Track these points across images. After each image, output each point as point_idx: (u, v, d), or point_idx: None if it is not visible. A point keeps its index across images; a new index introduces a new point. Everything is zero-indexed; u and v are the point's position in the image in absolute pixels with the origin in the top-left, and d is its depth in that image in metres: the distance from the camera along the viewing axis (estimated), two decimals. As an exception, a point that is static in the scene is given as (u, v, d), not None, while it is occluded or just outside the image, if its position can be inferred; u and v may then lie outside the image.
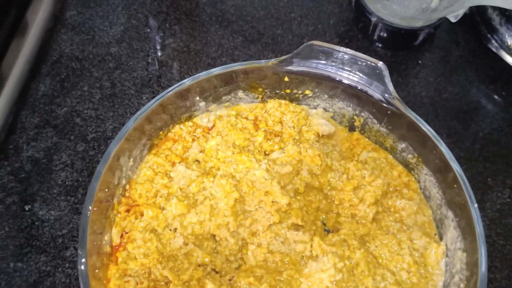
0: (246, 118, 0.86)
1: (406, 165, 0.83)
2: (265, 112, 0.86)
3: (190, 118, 0.86)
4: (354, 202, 0.79)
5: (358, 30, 1.07)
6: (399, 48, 1.04)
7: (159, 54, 1.03)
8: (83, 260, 0.66)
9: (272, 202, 0.76)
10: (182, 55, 1.03)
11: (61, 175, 0.90)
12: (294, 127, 0.84)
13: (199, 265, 0.74)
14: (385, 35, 1.01)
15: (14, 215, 0.86)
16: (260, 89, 0.86)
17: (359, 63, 0.79)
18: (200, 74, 0.80)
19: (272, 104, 0.86)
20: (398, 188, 0.82)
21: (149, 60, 1.02)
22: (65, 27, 1.05)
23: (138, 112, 0.76)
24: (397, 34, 1.00)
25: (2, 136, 0.93)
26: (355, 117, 0.86)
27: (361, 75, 0.80)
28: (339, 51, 0.80)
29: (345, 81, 0.81)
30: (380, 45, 1.05)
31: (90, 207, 0.69)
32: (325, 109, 0.88)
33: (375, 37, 1.03)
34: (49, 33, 1.05)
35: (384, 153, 0.85)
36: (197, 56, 1.03)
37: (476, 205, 0.69)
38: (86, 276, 0.65)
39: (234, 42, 1.04)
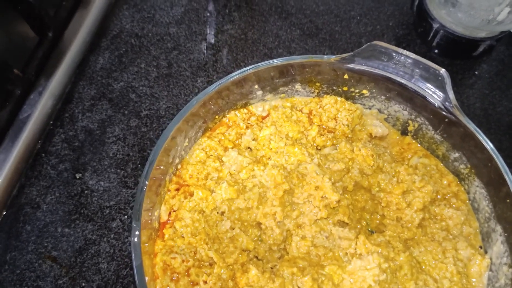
0: (301, 111, 0.86)
1: (457, 174, 0.83)
2: (320, 107, 0.86)
3: (245, 105, 0.87)
4: (401, 206, 0.79)
5: (417, 35, 1.06)
6: (457, 57, 1.03)
7: (217, 39, 1.04)
8: (137, 232, 0.67)
9: (322, 197, 0.76)
10: (239, 42, 1.04)
11: (113, 147, 0.92)
12: (348, 125, 0.84)
13: (243, 250, 0.75)
14: (445, 42, 1.00)
15: (65, 182, 0.89)
16: (318, 84, 0.86)
17: (421, 67, 0.79)
18: (261, 63, 0.81)
19: (328, 100, 0.86)
20: (446, 197, 0.81)
21: (207, 44, 1.03)
22: (127, 3, 1.07)
23: (201, 94, 0.77)
24: (457, 43, 0.99)
25: (59, 104, 0.95)
26: (409, 121, 0.86)
27: (421, 80, 0.79)
28: (401, 54, 0.80)
29: (405, 84, 0.80)
30: (437, 52, 1.04)
31: (146, 181, 0.70)
32: (379, 111, 0.88)
33: (434, 44, 1.02)
34: (111, 8, 1.07)
35: (435, 160, 0.85)
36: (254, 45, 1.03)
37: (529, 222, 0.68)
38: (138, 249, 0.66)
39: (291, 35, 1.05)
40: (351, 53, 0.81)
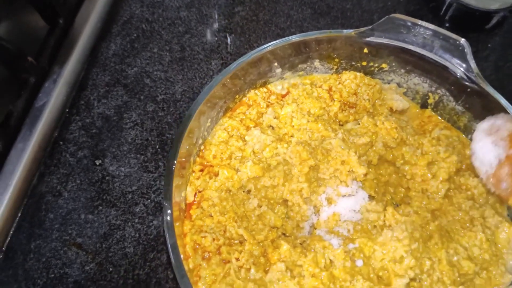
0: (321, 88, 0.86)
1: (480, 144, 0.83)
2: (340, 83, 0.86)
3: (264, 84, 0.87)
4: (426, 177, 0.79)
5: (429, 10, 1.06)
6: (470, 30, 1.03)
7: (228, 21, 1.03)
8: (169, 211, 0.67)
9: (348, 171, 0.76)
10: (251, 23, 1.03)
11: (131, 133, 0.91)
12: (369, 100, 0.84)
13: (271, 227, 0.75)
14: (457, 16, 1.00)
15: (85, 169, 0.88)
16: (337, 60, 0.86)
17: (441, 38, 0.79)
18: (279, 40, 0.81)
19: (348, 75, 0.86)
20: (470, 167, 0.81)
21: (218, 27, 1.02)
22: (135, -12, 1.06)
23: (221, 74, 0.77)
24: (470, 16, 0.99)
25: (74, 91, 0.94)
26: (429, 94, 0.86)
27: (442, 51, 0.79)
28: (421, 26, 0.80)
29: (425, 56, 0.80)
30: (450, 26, 1.03)
31: (175, 161, 0.70)
32: (399, 85, 0.88)
33: (447, 18, 1.02)
34: (120, -6, 1.06)
35: (457, 131, 0.85)
36: (266, 26, 1.03)
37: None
38: (172, 227, 0.66)
39: (303, 14, 1.04)
40: (369, 27, 0.80)
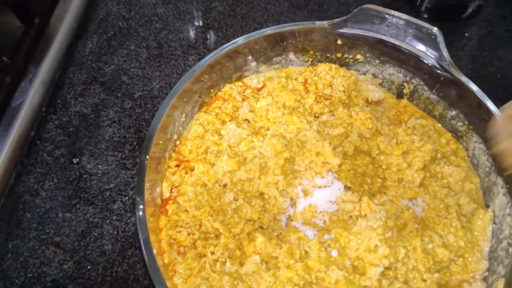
0: (296, 80, 0.86)
1: (455, 133, 0.83)
2: (315, 75, 0.86)
3: (240, 78, 0.87)
4: (402, 167, 0.79)
5: (405, 1, 1.06)
6: (447, 20, 1.04)
7: (205, 17, 1.03)
8: (141, 206, 0.67)
9: (323, 162, 0.77)
10: (228, 18, 1.03)
11: (109, 130, 0.91)
12: (344, 91, 0.84)
13: (248, 220, 0.75)
14: (433, 6, 1.00)
15: (63, 167, 0.88)
16: (311, 52, 0.86)
17: (413, 28, 0.79)
18: (253, 33, 0.81)
19: (323, 67, 0.86)
20: (446, 155, 0.82)
21: (195, 23, 1.02)
22: (111, -14, 1.06)
23: (193, 68, 0.77)
24: (446, 5, 0.99)
25: (50, 90, 0.94)
26: (405, 83, 0.86)
27: (415, 40, 0.80)
28: (393, 16, 0.80)
29: (398, 46, 0.80)
30: (427, 17, 1.04)
31: (147, 156, 0.70)
32: (374, 75, 0.88)
33: (423, 8, 1.02)
34: (96, -8, 1.05)
35: (432, 120, 0.85)
36: (243, 20, 1.03)
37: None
38: (144, 222, 0.66)
39: (280, 8, 1.04)
40: (343, 18, 0.81)
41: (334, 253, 0.71)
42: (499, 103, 0.94)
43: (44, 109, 0.92)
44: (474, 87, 0.76)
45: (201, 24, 1.02)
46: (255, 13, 1.04)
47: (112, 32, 1.01)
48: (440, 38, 0.77)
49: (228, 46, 0.79)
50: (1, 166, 0.85)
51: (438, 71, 0.78)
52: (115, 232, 0.82)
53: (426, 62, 0.79)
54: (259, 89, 0.87)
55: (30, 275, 0.79)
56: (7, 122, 0.87)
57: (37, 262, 0.80)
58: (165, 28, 1.01)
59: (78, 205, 0.84)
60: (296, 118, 0.80)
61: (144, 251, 0.64)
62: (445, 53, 0.77)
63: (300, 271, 0.69)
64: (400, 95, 0.88)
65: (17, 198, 0.85)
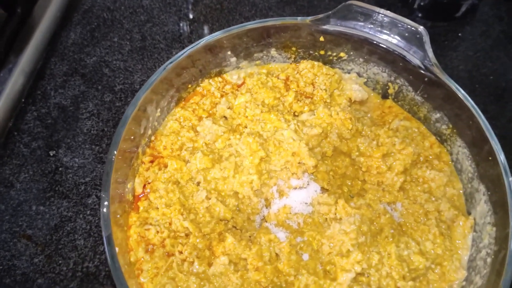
0: (277, 77, 0.84)
1: (439, 136, 0.80)
2: (297, 73, 0.84)
3: (219, 73, 0.84)
4: (382, 170, 0.76)
5: (398, -2, 1.03)
6: (440, 19, 1.00)
7: (191, 10, 1.01)
8: (106, 203, 0.65)
9: (299, 163, 0.74)
10: (215, 12, 1.01)
11: (87, 123, 0.89)
12: (326, 90, 0.82)
13: (220, 220, 0.73)
14: (426, 4, 0.97)
15: (39, 159, 0.86)
16: (294, 49, 0.83)
17: (399, 26, 0.77)
18: (233, 27, 0.78)
19: (305, 65, 0.83)
20: (428, 159, 0.79)
21: (181, 16, 1.00)
22: (97, -24, 1.04)
23: (169, 61, 0.75)
24: (439, 4, 0.96)
25: (31, 81, 0.93)
26: (389, 83, 0.83)
27: (399, 39, 0.77)
28: (378, 13, 0.77)
29: (383, 45, 0.78)
30: (420, 15, 1.01)
31: (115, 152, 0.68)
32: (359, 74, 0.85)
33: (416, 6, 0.99)
34: (82, -18, 1.04)
35: (417, 122, 0.83)
36: (230, 15, 1.01)
37: (511, 178, 0.66)
38: (108, 219, 0.64)
39: (268, 3, 1.02)
40: (326, 14, 0.78)
41: (305, 256, 0.69)
42: (488, 105, 0.92)
43: (23, 99, 0.91)
44: (458, 90, 0.73)
45: (187, 17, 1.00)
46: (242, 8, 1.01)
47: (96, 24, 0.99)
48: (426, 38, 0.75)
49: (206, 40, 0.77)
50: (-23, 156, 0.84)
51: (423, 72, 0.76)
52: (88, 227, 0.81)
53: (411, 62, 0.76)
54: (239, 86, 0.84)
55: (0, 267, 0.78)
56: (-16, 112, 0.86)
57: (8, 255, 0.79)
58: (149, 21, 1.00)
59: (53, 198, 0.83)
60: (273, 117, 0.78)
61: (106, 249, 0.62)
62: (430, 53, 0.74)
63: (268, 274, 0.67)
64: (385, 95, 0.85)
65: (-8, 190, 0.84)
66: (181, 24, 0.99)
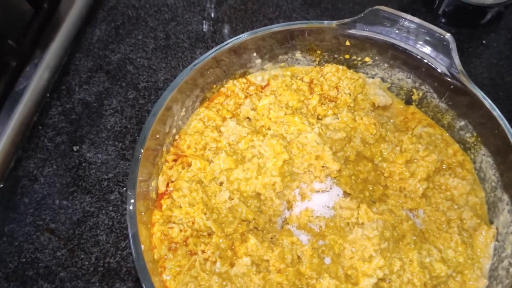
0: (301, 80, 0.84)
1: (463, 144, 0.80)
2: (321, 76, 0.84)
3: (244, 74, 0.85)
4: (404, 176, 0.76)
5: (423, 3, 1.02)
6: (464, 25, 1.00)
7: (216, 10, 1.02)
8: (132, 201, 0.66)
9: (322, 167, 0.75)
10: (239, 13, 1.01)
11: (111, 120, 0.90)
12: (350, 94, 0.82)
13: (242, 221, 0.74)
14: (451, 10, 0.97)
15: (63, 154, 0.87)
16: (319, 52, 0.84)
17: (425, 33, 0.76)
18: (259, 29, 0.79)
19: (330, 68, 0.84)
20: (451, 166, 0.79)
21: (205, 15, 1.01)
22: (123, -26, 1.05)
23: (196, 61, 0.75)
24: (464, 10, 0.96)
25: (56, 76, 0.94)
26: (413, 90, 0.83)
27: (426, 46, 0.77)
28: (405, 19, 0.77)
29: (409, 51, 0.78)
30: (444, 21, 1.00)
31: (142, 150, 0.69)
32: (383, 79, 0.85)
33: (440, 12, 0.99)
34: (108, -21, 1.04)
35: (440, 129, 0.83)
36: (254, 16, 1.01)
37: (536, 189, 0.66)
38: (134, 217, 0.65)
39: (292, 4, 1.02)
40: (353, 18, 0.78)
41: (327, 260, 0.70)
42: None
43: (48, 94, 0.92)
44: (485, 98, 0.72)
45: (211, 17, 1.01)
46: (266, 9, 1.02)
47: (120, 21, 1.00)
48: (453, 45, 0.74)
49: (232, 41, 0.77)
50: (2, 150, 0.85)
51: (449, 79, 0.76)
52: (110, 223, 0.82)
53: (437, 69, 0.76)
54: (263, 87, 0.85)
55: (24, 260, 0.79)
56: (10, 106, 0.87)
57: (31, 248, 0.80)
58: (174, 19, 1.00)
59: (76, 193, 0.84)
60: (297, 119, 0.78)
61: (132, 246, 0.63)
62: (457, 60, 0.74)
63: (290, 276, 0.67)
64: (408, 101, 0.85)
65: (16, 183, 0.85)
66: (204, 24, 1.00)
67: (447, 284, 0.71)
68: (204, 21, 1.00)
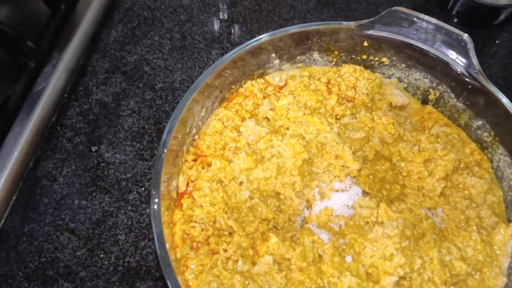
0: (319, 80, 0.84)
1: (480, 143, 0.81)
2: (339, 76, 0.85)
3: (262, 75, 0.86)
4: (423, 175, 0.77)
5: (436, 4, 1.03)
6: (478, 26, 1.01)
7: (230, 10, 1.02)
8: (156, 200, 0.67)
9: (342, 166, 0.75)
10: (254, 13, 1.02)
11: (128, 120, 0.91)
12: (367, 94, 0.82)
13: (263, 220, 0.74)
14: (465, 10, 0.98)
15: (81, 154, 0.88)
16: (336, 53, 0.84)
17: (443, 33, 0.77)
18: (278, 30, 0.79)
19: (347, 69, 0.84)
20: (469, 166, 0.80)
21: (220, 16, 1.01)
22: (139, -24, 1.06)
23: (216, 63, 0.76)
24: (478, 11, 0.96)
25: (73, 77, 0.94)
26: (430, 89, 0.84)
27: (444, 46, 0.77)
28: (423, 20, 0.78)
29: (426, 51, 0.78)
30: (457, 21, 1.01)
31: (165, 150, 0.70)
32: (399, 79, 0.86)
33: (454, 12, 0.99)
34: (123, -19, 1.05)
35: (457, 129, 0.83)
36: (269, 16, 1.02)
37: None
38: (158, 216, 0.66)
39: (307, 5, 1.03)
40: (371, 19, 0.79)
41: (348, 258, 0.70)
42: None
43: (66, 95, 0.93)
44: (503, 97, 0.73)
45: (226, 17, 1.01)
46: (281, 10, 1.02)
47: (137, 22, 1.00)
48: (470, 45, 0.75)
49: (252, 43, 0.78)
50: (21, 150, 0.85)
51: (466, 79, 0.76)
52: (129, 223, 0.83)
53: (454, 69, 0.77)
54: (281, 87, 0.86)
55: (44, 259, 0.80)
56: (29, 107, 0.88)
57: (51, 247, 0.80)
58: (189, 20, 1.01)
59: (95, 193, 0.85)
60: (317, 119, 0.79)
61: (157, 245, 0.64)
62: (475, 60, 0.75)
63: (312, 274, 0.68)
64: (425, 101, 0.86)
65: (35, 183, 0.85)
66: (220, 25, 1.01)
67: (466, 282, 0.71)
68: (220, 22, 1.01)
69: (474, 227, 0.73)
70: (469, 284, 0.71)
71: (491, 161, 0.80)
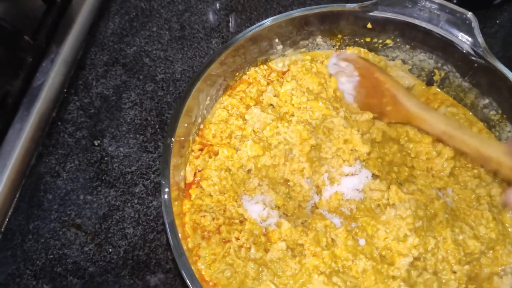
0: (322, 63, 0.84)
1: (487, 122, 0.81)
2: (343, 60, 0.84)
3: (265, 61, 0.85)
4: (431, 155, 0.77)
5: (435, -15, 1.02)
6: (478, 6, 1.00)
7: (229, -1, 1.01)
8: (166, 189, 0.66)
9: (351, 150, 0.75)
10: (252, 1, 1.01)
11: (130, 113, 0.90)
12: (372, 77, 0.82)
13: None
14: (465, -9, 0.97)
15: (84, 149, 0.87)
16: (339, 36, 0.84)
17: (447, 12, 0.76)
18: (280, 15, 0.78)
19: (351, 52, 0.83)
20: (478, 145, 0.79)
21: (219, 5, 1.00)
22: (134, -34, 1.04)
23: (219, 50, 0.75)
24: (478, -9, 0.96)
25: (72, 71, 0.93)
26: (435, 70, 0.83)
27: (448, 25, 0.77)
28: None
29: (431, 31, 0.78)
30: (457, 2, 1.00)
31: (173, 139, 0.69)
32: (403, 61, 0.85)
33: (454, -7, 0.99)
34: (118, -28, 1.03)
35: (463, 109, 0.83)
36: (268, 3, 1.00)
37: None
38: (169, 206, 0.65)
39: (306, -9, 1.02)
40: (374, 1, 0.78)
41: (362, 242, 0.70)
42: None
43: (65, 89, 0.91)
44: (509, 74, 0.73)
45: (224, 6, 1.00)
46: (280, -4, 1.01)
47: (134, 13, 0.99)
48: (475, 23, 0.75)
49: (254, 28, 0.77)
50: (22, 146, 0.84)
51: (472, 58, 0.76)
52: (137, 216, 0.82)
53: (460, 48, 0.77)
54: (284, 73, 0.85)
55: (51, 256, 0.78)
56: (28, 102, 0.86)
57: (58, 244, 0.79)
58: (187, 10, 0.99)
59: (100, 188, 0.83)
60: (321, 104, 0.78)
61: (169, 235, 0.63)
62: (480, 38, 0.75)
63: (326, 259, 0.67)
64: (430, 82, 0.85)
65: (38, 179, 0.84)
66: (219, 14, 0.99)
67: (479, 261, 0.71)
68: (218, 11, 0.99)
69: (485, 206, 0.73)
70: (482, 262, 0.71)
71: (499, 139, 0.79)
